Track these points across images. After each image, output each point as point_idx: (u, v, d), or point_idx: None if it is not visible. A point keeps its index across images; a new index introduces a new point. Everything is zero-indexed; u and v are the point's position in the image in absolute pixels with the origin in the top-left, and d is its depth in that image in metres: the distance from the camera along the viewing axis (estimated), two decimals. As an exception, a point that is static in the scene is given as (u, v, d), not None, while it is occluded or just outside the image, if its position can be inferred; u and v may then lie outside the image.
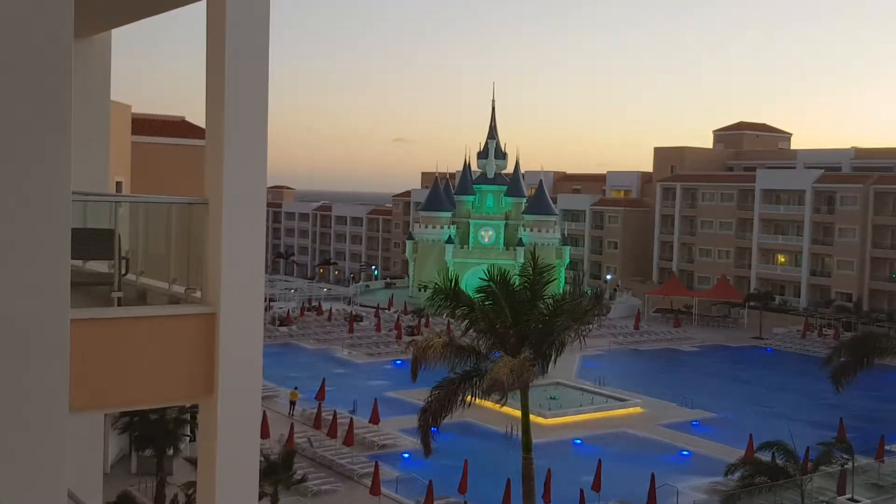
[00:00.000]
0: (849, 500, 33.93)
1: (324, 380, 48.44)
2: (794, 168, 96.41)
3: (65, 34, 5.18)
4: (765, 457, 32.63)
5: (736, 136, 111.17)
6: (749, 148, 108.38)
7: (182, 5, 8.17)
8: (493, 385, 24.72)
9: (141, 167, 23.70)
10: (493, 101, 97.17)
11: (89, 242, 7.40)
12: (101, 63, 10.13)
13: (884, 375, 44.19)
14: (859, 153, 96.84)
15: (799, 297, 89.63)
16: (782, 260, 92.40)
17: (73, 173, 5.22)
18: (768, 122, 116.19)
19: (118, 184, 19.98)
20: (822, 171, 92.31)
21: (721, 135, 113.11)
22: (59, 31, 5.16)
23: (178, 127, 33.27)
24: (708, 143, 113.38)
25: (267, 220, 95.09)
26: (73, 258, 5.43)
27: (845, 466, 34.46)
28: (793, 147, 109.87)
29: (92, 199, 8.05)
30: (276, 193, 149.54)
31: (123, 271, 7.44)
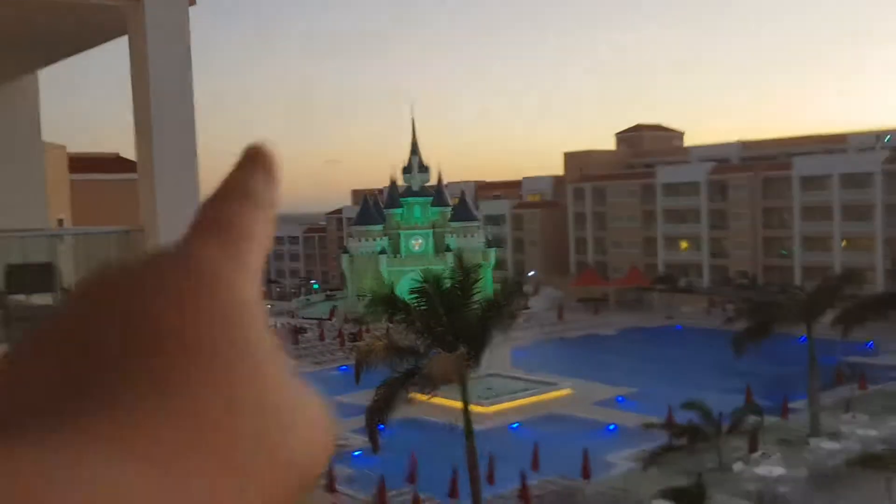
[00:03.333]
0: (760, 455, 34.72)
1: (271, 390, 47.80)
2: (689, 163, 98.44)
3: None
4: (684, 422, 33.73)
5: (635, 138, 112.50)
6: (648, 147, 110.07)
7: (101, 43, 7.93)
8: (433, 379, 24.94)
9: (81, 204, 22.67)
10: (413, 119, 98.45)
11: (29, 277, 6.92)
12: (29, 105, 9.61)
13: (783, 343, 45.25)
14: (746, 145, 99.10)
15: (702, 277, 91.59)
16: (685, 246, 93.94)
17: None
18: (662, 123, 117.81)
19: (60, 221, 19.34)
20: (714, 163, 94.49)
21: (622, 137, 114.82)
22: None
23: (114, 163, 31.94)
24: (611, 145, 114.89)
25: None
26: (13, 293, 5.09)
27: (755, 426, 35.46)
28: (686, 144, 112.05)
29: (27, 235, 7.41)
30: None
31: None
